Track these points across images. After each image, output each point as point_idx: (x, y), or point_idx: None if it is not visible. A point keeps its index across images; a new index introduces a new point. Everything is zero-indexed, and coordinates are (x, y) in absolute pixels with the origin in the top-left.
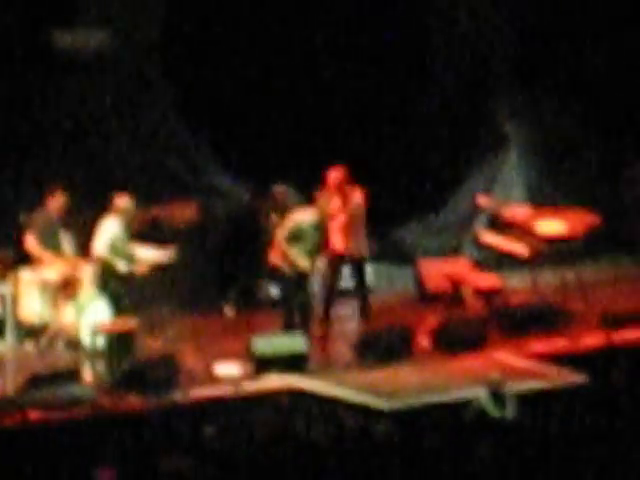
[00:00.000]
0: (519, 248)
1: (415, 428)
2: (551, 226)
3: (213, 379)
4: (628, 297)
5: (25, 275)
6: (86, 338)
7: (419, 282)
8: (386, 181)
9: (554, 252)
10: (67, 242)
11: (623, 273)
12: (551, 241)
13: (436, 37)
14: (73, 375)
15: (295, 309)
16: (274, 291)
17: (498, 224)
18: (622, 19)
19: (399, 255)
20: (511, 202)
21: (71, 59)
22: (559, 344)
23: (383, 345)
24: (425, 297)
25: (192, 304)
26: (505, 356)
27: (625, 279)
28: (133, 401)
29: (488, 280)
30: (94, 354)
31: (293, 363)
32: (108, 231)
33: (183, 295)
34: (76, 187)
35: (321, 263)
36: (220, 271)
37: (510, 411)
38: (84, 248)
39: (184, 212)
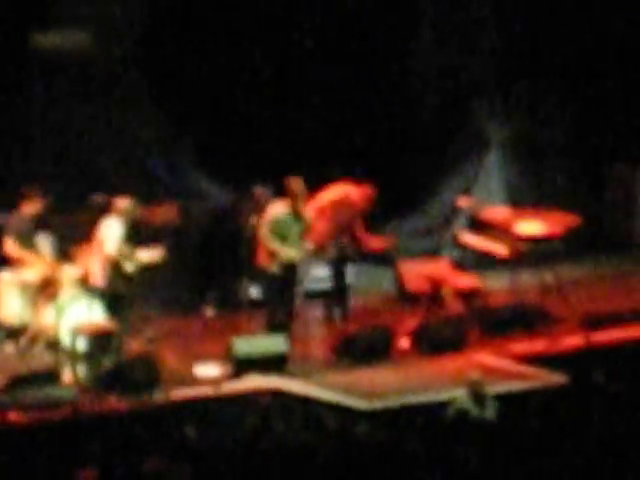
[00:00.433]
0: (499, 249)
1: (395, 428)
2: (531, 227)
3: (193, 380)
4: (608, 298)
5: (5, 276)
6: (66, 339)
7: (399, 283)
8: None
9: (534, 253)
10: (47, 244)
11: (603, 274)
12: (531, 242)
13: (417, 39)
14: (53, 376)
15: (279, 309)
16: (254, 292)
17: (478, 225)
18: (602, 15)
19: (379, 256)
20: (491, 203)
21: (51, 60)
22: (539, 345)
23: (363, 346)
24: (405, 298)
25: (172, 305)
26: (485, 357)
27: (605, 280)
28: (113, 402)
29: (468, 281)
30: (74, 355)
31: (273, 364)
32: (115, 232)
33: (163, 296)
34: (56, 188)
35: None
36: (200, 272)
37: (490, 412)
38: (65, 250)
39: (164, 213)
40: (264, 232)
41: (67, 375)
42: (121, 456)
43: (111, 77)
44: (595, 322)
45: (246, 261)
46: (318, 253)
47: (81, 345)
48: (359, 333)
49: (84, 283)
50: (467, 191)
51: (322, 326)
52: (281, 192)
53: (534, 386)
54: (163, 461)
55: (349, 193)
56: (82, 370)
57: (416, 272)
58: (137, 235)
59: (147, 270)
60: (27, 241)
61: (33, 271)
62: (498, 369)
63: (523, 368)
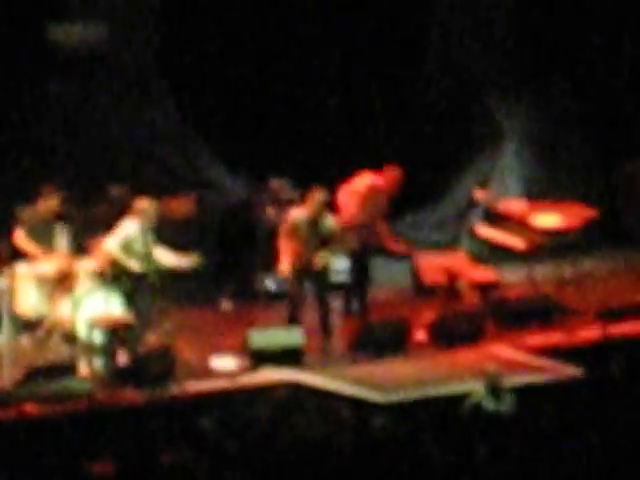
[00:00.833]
0: (515, 241)
1: (412, 421)
2: (547, 219)
3: (210, 372)
4: (624, 290)
5: (21, 269)
6: (82, 332)
7: (416, 276)
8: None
9: (550, 245)
10: (63, 238)
11: (619, 266)
12: (547, 234)
13: (432, 31)
14: (69, 369)
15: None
16: (271, 284)
17: (494, 217)
18: (620, 14)
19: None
20: (507, 196)
21: (68, 54)
22: (555, 337)
23: (380, 338)
24: (422, 291)
25: (189, 297)
26: (501, 349)
27: (621, 272)
28: (130, 395)
29: (484, 274)
30: (90, 348)
31: (290, 356)
32: (124, 231)
33: (180, 288)
34: (73, 182)
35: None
36: (217, 265)
37: (506, 405)
38: (84, 243)
39: (180, 206)
40: (282, 234)
41: (83, 368)
42: (137, 449)
43: (127, 70)
44: (612, 315)
45: (262, 253)
46: (346, 236)
47: (97, 338)
48: (376, 326)
49: (102, 276)
50: (483, 184)
51: (340, 318)
52: (297, 184)
53: (550, 379)
54: (179, 454)
55: (378, 181)
56: (98, 363)
57: (432, 265)
58: (156, 231)
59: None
60: (43, 235)
61: (50, 264)
62: (514, 362)
63: (540, 361)
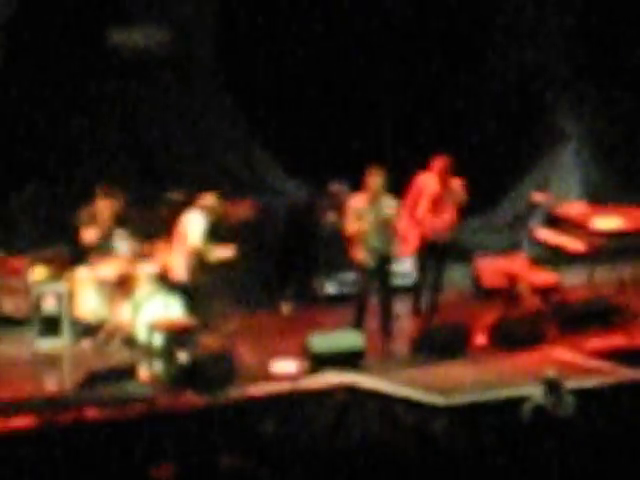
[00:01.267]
0: (576, 244)
1: (472, 424)
2: (607, 222)
3: (270, 376)
4: None
5: (81, 273)
6: (142, 335)
7: (476, 279)
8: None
9: (611, 248)
10: (122, 240)
11: None
12: (607, 237)
13: (494, 31)
14: (129, 372)
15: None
16: (331, 288)
17: (554, 220)
18: None
19: (456, 252)
20: (568, 198)
21: (127, 57)
22: (616, 340)
23: (440, 341)
24: (482, 294)
25: (249, 301)
26: (562, 353)
27: None
28: (190, 398)
29: (544, 277)
30: (150, 351)
31: (350, 360)
32: (198, 225)
33: (240, 292)
34: (132, 185)
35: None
36: (277, 268)
37: (567, 408)
38: (142, 246)
39: (240, 210)
40: (349, 225)
41: (143, 371)
42: (197, 453)
43: (188, 73)
44: None
45: (323, 257)
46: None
47: (157, 341)
48: (436, 329)
49: (162, 279)
50: (543, 187)
51: (407, 320)
52: (358, 188)
53: (612, 382)
54: (239, 458)
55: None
56: (158, 366)
57: (493, 268)
58: (216, 232)
59: (221, 267)
60: (103, 238)
61: (110, 268)
62: (575, 365)
63: (600, 364)
